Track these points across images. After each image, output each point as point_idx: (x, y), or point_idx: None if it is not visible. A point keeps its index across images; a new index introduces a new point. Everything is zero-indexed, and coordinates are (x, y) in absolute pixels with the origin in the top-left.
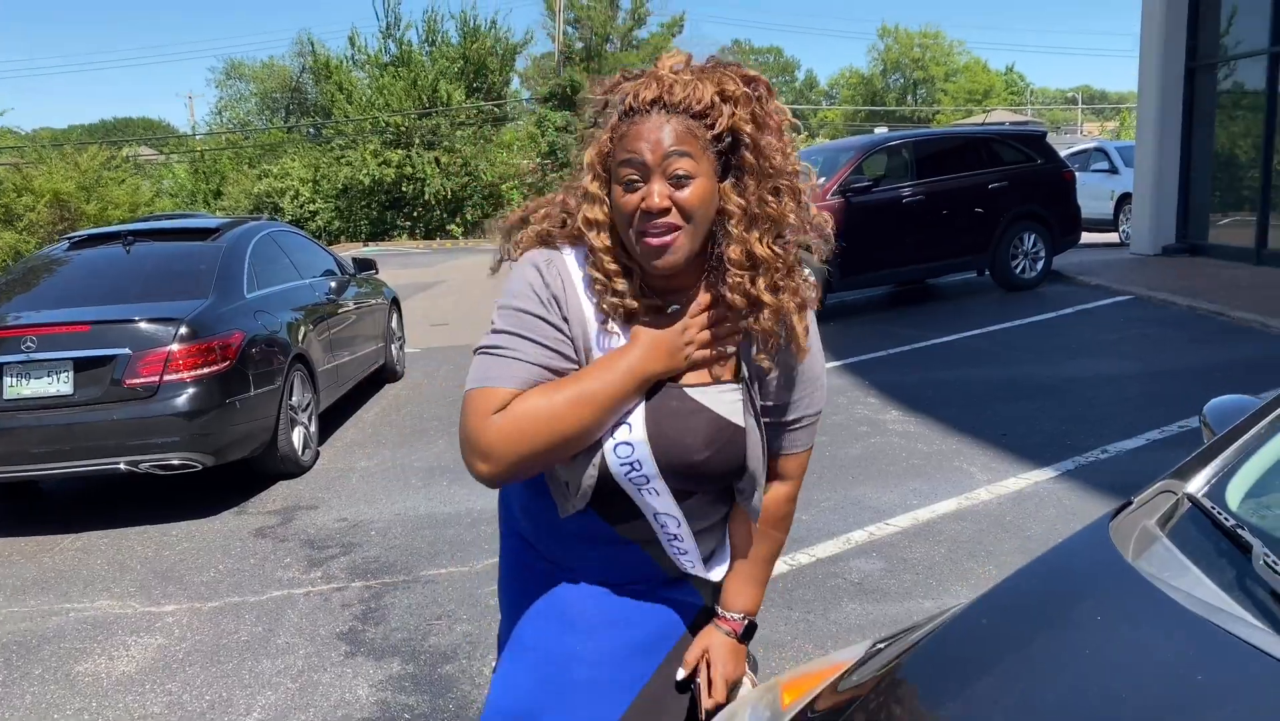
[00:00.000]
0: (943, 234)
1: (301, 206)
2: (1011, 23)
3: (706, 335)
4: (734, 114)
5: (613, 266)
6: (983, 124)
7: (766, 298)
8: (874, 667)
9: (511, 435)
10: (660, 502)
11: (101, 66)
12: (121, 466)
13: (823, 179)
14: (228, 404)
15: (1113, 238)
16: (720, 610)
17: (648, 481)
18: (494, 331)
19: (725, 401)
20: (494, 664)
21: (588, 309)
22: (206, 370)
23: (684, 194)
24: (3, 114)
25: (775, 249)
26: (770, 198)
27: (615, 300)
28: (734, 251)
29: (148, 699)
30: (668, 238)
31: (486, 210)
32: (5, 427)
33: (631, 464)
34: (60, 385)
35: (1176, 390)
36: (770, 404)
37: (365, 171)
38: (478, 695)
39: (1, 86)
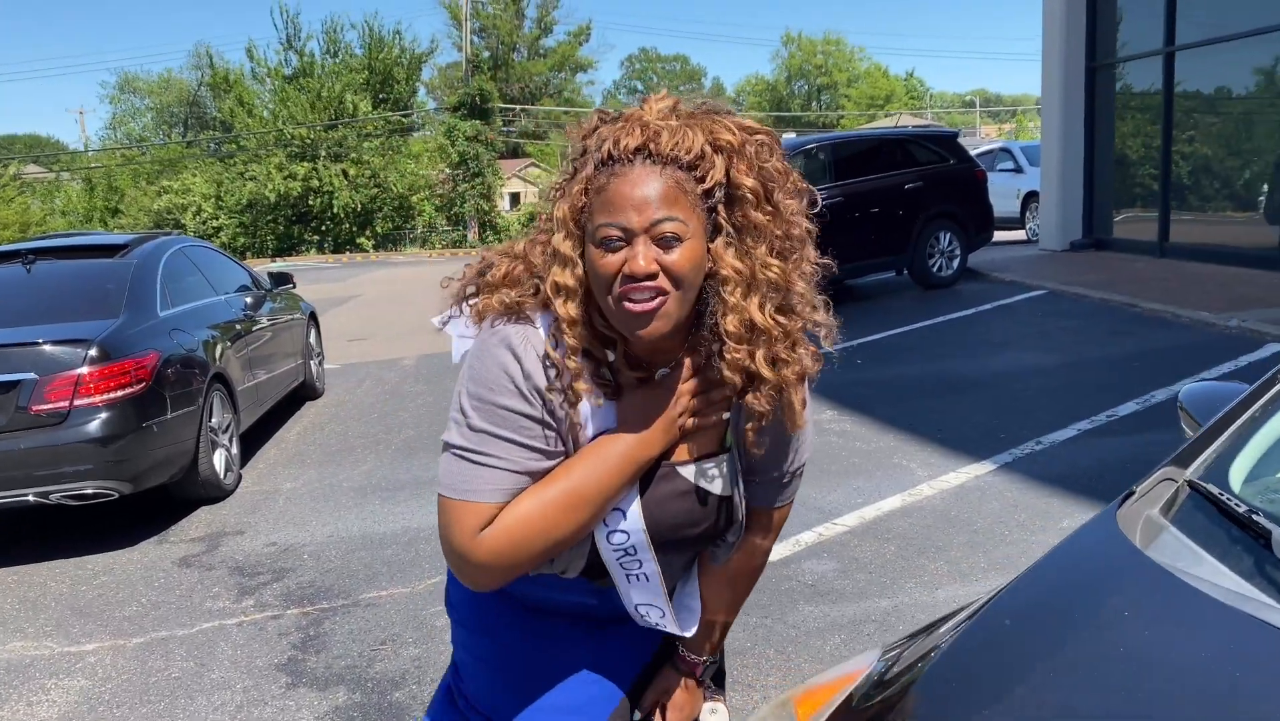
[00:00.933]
0: (862, 234)
1: (205, 223)
2: (910, 29)
3: (699, 403)
4: (730, 166)
5: (574, 342)
6: (896, 126)
7: (766, 372)
8: (894, 679)
9: (505, 549)
10: (645, 592)
11: None
12: (30, 498)
13: None
14: (144, 428)
15: (1020, 235)
16: (681, 647)
17: (640, 566)
18: (468, 426)
19: (714, 475)
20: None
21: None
22: (120, 393)
23: (673, 257)
24: None
25: (779, 318)
26: (773, 261)
27: (591, 383)
28: (731, 322)
29: None
30: (653, 303)
31: (397, 222)
32: None
33: (626, 550)
34: None
35: (1100, 380)
36: (755, 466)
37: (270, 186)
38: None
39: None
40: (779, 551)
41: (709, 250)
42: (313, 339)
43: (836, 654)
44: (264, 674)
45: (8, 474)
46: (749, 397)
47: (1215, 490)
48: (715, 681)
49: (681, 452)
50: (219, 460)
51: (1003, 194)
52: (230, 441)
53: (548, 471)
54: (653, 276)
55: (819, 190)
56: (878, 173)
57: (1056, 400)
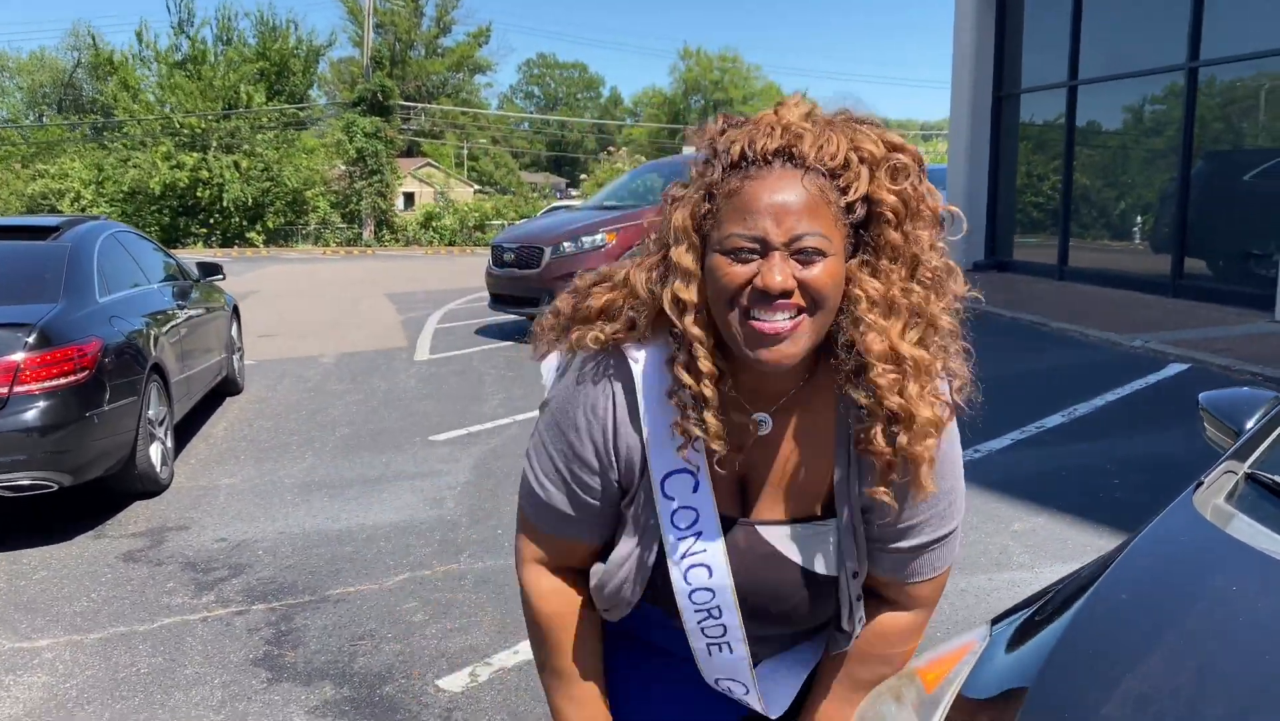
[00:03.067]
0: None
1: (83, 210)
2: (806, 45)
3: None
4: (874, 179)
5: (707, 365)
6: None
7: (924, 409)
8: (1023, 654)
9: (530, 624)
10: (728, 666)
11: None
12: None
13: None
14: (86, 417)
15: None
16: None
17: (724, 634)
18: (543, 445)
19: (808, 544)
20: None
21: (650, 424)
22: (62, 380)
23: (813, 272)
24: None
25: (928, 347)
26: (917, 288)
27: (701, 419)
28: (875, 342)
29: None
30: (787, 324)
31: (290, 217)
32: None
33: (710, 611)
34: None
35: (1025, 393)
36: (884, 533)
37: (156, 176)
38: (427, 715)
39: None
40: None
41: (852, 275)
42: (235, 332)
43: None
44: (241, 669)
45: None
46: (876, 443)
47: (1272, 477)
48: None
49: (770, 506)
50: (155, 453)
51: None
52: (166, 434)
53: (590, 510)
54: (788, 294)
55: None
56: None
57: (986, 411)
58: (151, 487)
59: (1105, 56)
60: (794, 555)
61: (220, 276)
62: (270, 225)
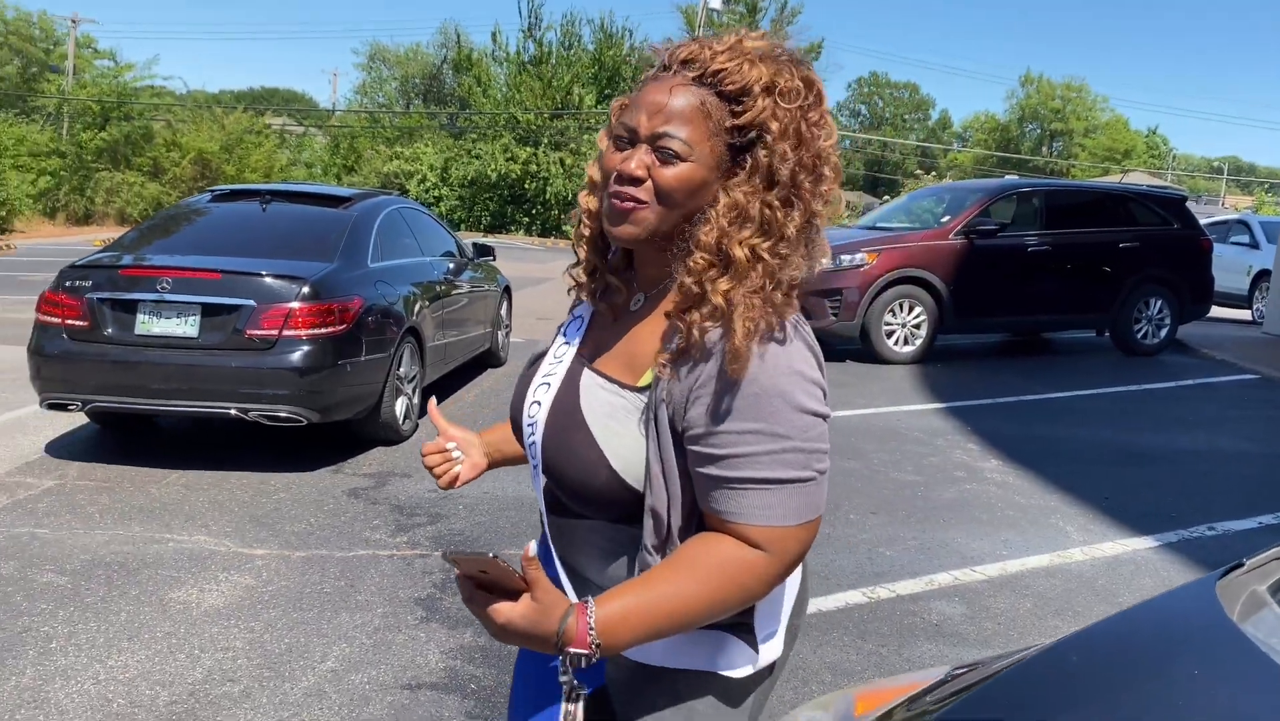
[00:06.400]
0: (1065, 288)
1: (427, 191)
2: (1160, 83)
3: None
4: (773, 111)
5: (586, 231)
6: (1121, 181)
7: (717, 298)
8: (950, 692)
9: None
10: (540, 495)
11: (256, 37)
12: (232, 412)
13: (947, 217)
14: (339, 365)
15: (1244, 315)
16: (591, 604)
17: (536, 454)
18: None
19: (606, 403)
20: None
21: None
22: (323, 330)
23: (666, 172)
24: (154, 62)
25: (761, 253)
26: (776, 202)
27: (588, 280)
28: (705, 234)
29: (231, 633)
30: (629, 205)
31: None
32: (134, 361)
33: (533, 425)
34: (187, 327)
35: None
36: (696, 448)
37: (494, 166)
38: None
39: (163, 46)
40: (909, 587)
41: (720, 186)
42: (503, 311)
43: None
44: (403, 605)
45: (218, 387)
46: (685, 317)
47: None
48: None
49: (604, 363)
50: (400, 406)
51: (1231, 268)
52: (414, 391)
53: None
54: (637, 182)
55: (1024, 235)
56: (1091, 226)
57: (1242, 488)
58: (392, 436)
59: None
60: (584, 397)
61: (491, 258)
62: None
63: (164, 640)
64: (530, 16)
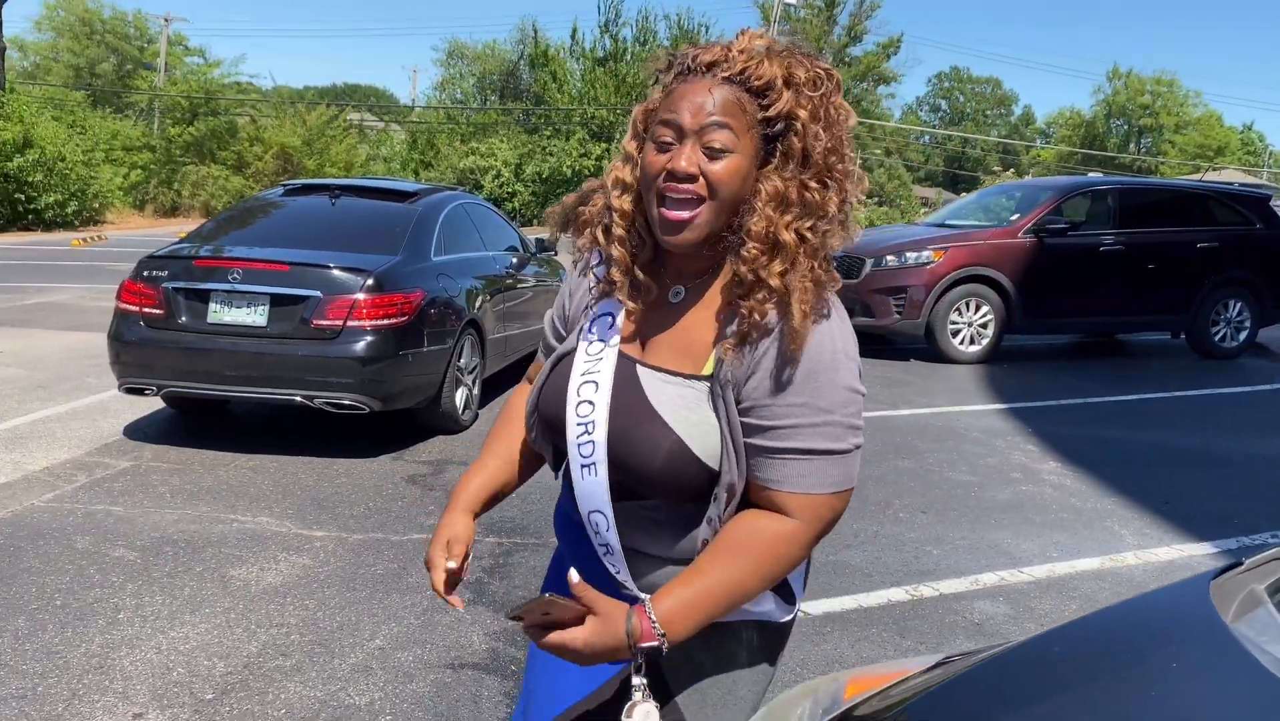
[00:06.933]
0: (1140, 289)
1: (501, 186)
2: (1257, 78)
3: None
4: (796, 100)
5: (620, 232)
6: (1201, 180)
7: (774, 280)
8: (936, 679)
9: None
10: (594, 492)
11: (340, 34)
12: (298, 399)
13: (1016, 215)
14: (401, 355)
15: None
16: (648, 603)
17: (593, 451)
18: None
19: (673, 397)
20: None
21: (590, 279)
22: (386, 321)
23: (716, 167)
24: (240, 60)
25: (805, 233)
26: (814, 185)
27: (609, 274)
28: (756, 224)
29: (287, 610)
30: (687, 212)
31: None
32: (207, 348)
33: (587, 425)
34: (256, 316)
35: None
36: (751, 420)
37: (568, 163)
38: None
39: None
40: (953, 585)
41: (757, 176)
42: None
43: None
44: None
45: (286, 374)
46: (745, 304)
47: None
48: (654, 681)
49: (655, 355)
50: (460, 397)
51: None
52: (474, 383)
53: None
54: (692, 179)
55: (1096, 234)
56: (1168, 226)
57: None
58: (452, 426)
59: None
60: (651, 393)
61: (553, 253)
62: None
63: (223, 615)
64: (609, 12)
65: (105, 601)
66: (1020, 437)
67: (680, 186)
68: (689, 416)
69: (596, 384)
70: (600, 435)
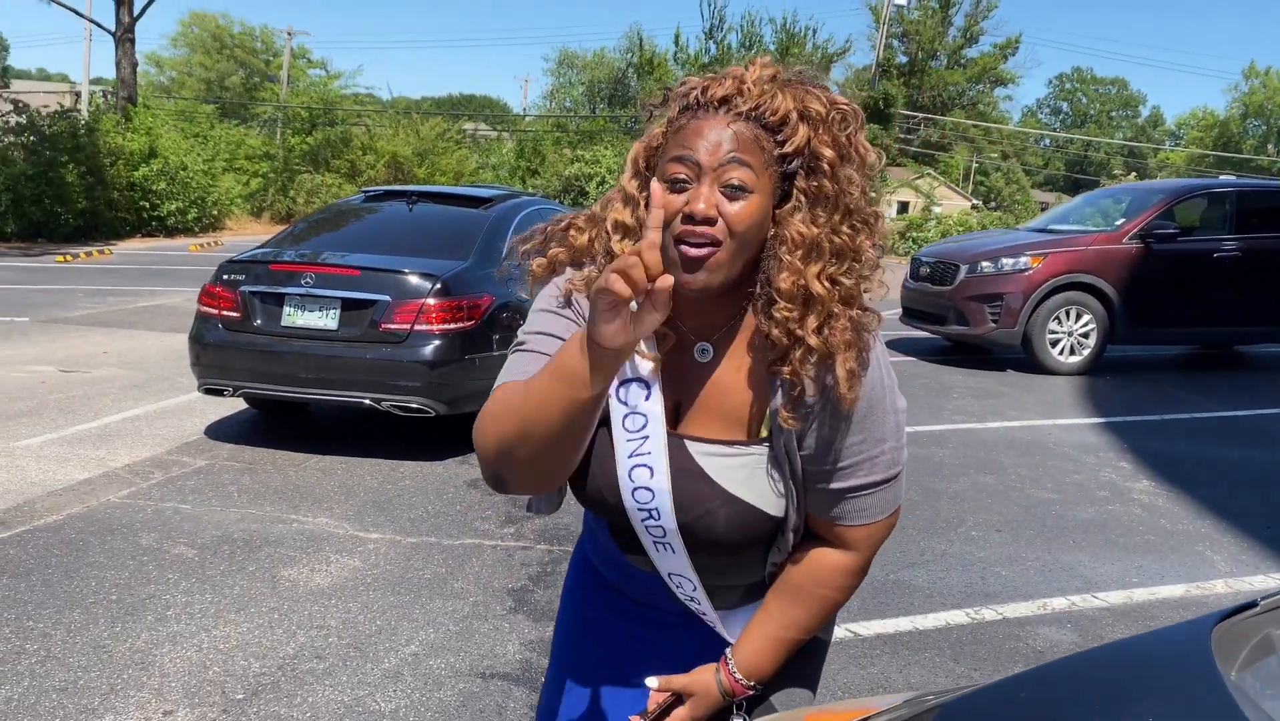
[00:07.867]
0: (1257, 297)
1: (604, 192)
2: None
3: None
4: (812, 136)
5: None
6: None
7: (812, 339)
8: (896, 719)
9: (486, 419)
10: (674, 561)
11: (456, 45)
12: (367, 401)
13: (1123, 219)
14: (467, 360)
15: None
16: (730, 659)
17: (664, 535)
18: (518, 345)
19: (731, 467)
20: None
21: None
22: (453, 326)
23: (735, 208)
24: (358, 72)
25: (840, 278)
26: (845, 229)
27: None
28: (785, 281)
29: (328, 612)
30: (705, 251)
31: None
32: (280, 351)
33: (650, 511)
34: (328, 320)
35: None
36: (811, 468)
37: None
38: None
39: (371, 55)
40: (1019, 609)
41: (775, 215)
42: None
43: None
44: (494, 594)
45: (355, 377)
46: (786, 368)
47: None
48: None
49: (699, 426)
50: None
51: None
52: None
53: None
54: (711, 222)
55: (1210, 240)
56: None
57: None
58: None
59: None
60: (714, 472)
61: None
62: None
63: (267, 615)
64: (713, 18)
65: (157, 598)
66: (1113, 454)
67: (698, 230)
68: (752, 483)
69: (650, 469)
70: (670, 523)
